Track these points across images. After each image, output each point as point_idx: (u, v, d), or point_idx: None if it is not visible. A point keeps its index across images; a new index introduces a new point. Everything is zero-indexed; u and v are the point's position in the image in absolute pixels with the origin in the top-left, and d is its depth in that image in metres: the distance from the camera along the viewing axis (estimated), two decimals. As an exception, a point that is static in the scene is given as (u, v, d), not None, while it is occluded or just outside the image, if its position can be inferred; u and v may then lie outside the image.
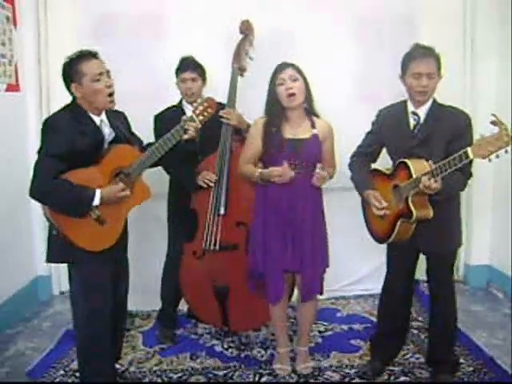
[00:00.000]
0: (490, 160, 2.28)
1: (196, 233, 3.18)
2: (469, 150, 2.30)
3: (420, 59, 2.56)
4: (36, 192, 2.36)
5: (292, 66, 2.73)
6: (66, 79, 2.45)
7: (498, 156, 2.26)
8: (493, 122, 2.22)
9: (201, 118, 2.62)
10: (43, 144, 2.41)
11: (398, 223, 2.63)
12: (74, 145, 2.37)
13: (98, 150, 2.48)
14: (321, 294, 2.93)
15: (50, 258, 2.58)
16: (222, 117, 3.15)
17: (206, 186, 3.10)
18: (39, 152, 2.41)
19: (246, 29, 3.31)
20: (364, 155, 2.86)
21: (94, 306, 2.50)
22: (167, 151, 2.56)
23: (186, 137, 2.60)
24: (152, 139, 3.02)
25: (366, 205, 2.85)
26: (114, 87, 2.51)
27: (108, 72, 2.48)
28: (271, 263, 2.80)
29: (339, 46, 3.82)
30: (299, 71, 2.73)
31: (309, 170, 2.69)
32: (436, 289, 2.79)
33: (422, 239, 2.67)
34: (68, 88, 2.46)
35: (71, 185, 2.35)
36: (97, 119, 2.50)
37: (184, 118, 2.62)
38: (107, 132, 2.54)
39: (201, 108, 2.63)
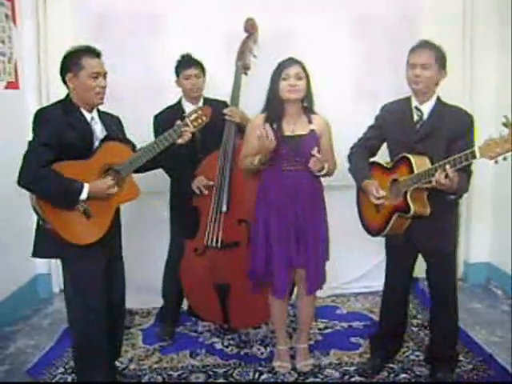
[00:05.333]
0: (496, 162, 2.25)
1: (197, 230, 3.18)
2: (476, 149, 2.28)
3: (415, 50, 2.61)
4: (24, 179, 2.35)
5: (299, 63, 2.72)
6: (63, 67, 2.48)
7: (505, 158, 2.22)
8: (504, 124, 2.20)
9: (195, 123, 2.67)
10: (33, 134, 2.42)
11: (394, 217, 2.64)
12: (62, 136, 2.39)
13: (87, 144, 2.49)
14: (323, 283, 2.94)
15: (37, 253, 2.56)
16: (224, 114, 3.16)
17: (199, 192, 3.11)
18: (30, 143, 2.42)
19: (251, 27, 3.32)
20: (364, 147, 2.85)
21: (88, 304, 2.50)
22: (160, 153, 2.58)
23: (180, 141, 2.64)
24: (149, 138, 3.02)
25: (361, 196, 2.86)
26: (113, 85, 2.55)
27: (105, 74, 2.51)
28: (276, 260, 2.79)
29: (340, 44, 3.81)
30: (305, 70, 2.72)
31: (308, 167, 2.70)
32: (436, 289, 2.79)
33: (420, 238, 2.67)
34: (63, 77, 2.48)
35: (60, 176, 2.35)
36: (88, 115, 2.52)
37: (178, 122, 2.64)
38: (98, 130, 2.54)
39: (195, 115, 2.68)
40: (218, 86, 3.43)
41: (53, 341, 3.35)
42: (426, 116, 2.65)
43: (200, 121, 2.68)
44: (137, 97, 3.67)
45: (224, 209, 3.13)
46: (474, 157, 2.29)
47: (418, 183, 2.51)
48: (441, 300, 2.78)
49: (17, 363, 3.11)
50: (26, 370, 3.01)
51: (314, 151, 2.65)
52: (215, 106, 3.05)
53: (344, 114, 3.45)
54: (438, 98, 2.66)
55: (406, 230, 2.69)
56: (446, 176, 2.36)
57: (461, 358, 2.98)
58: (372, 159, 2.87)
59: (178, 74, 3.25)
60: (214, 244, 3.11)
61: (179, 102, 3.31)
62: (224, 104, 3.31)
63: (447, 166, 2.36)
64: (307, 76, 2.73)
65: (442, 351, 2.83)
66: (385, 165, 2.77)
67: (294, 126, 2.76)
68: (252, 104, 3.14)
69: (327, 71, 3.52)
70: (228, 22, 3.56)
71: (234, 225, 3.13)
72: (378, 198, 2.65)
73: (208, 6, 3.70)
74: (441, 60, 2.61)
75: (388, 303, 2.95)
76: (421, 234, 2.66)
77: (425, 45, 2.61)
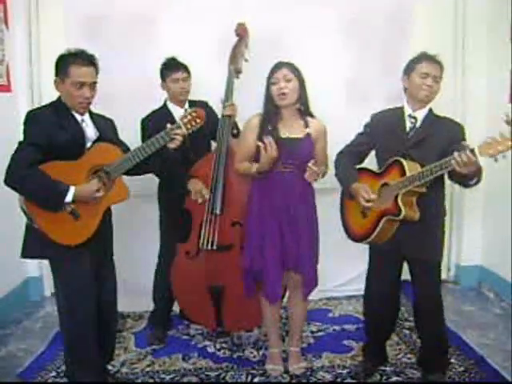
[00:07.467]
0: (496, 160, 2.25)
1: (190, 233, 3.18)
2: (476, 148, 2.28)
3: (429, 62, 2.62)
4: (10, 178, 2.35)
5: (287, 65, 2.74)
6: (55, 70, 2.48)
7: (504, 156, 2.23)
8: (507, 122, 2.22)
9: (188, 126, 2.64)
10: (23, 135, 2.42)
11: (382, 221, 2.63)
12: (52, 137, 2.38)
13: (78, 146, 2.48)
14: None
15: (25, 253, 2.55)
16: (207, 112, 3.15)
17: (199, 201, 3.08)
18: (19, 143, 2.42)
19: (242, 31, 3.34)
20: (351, 153, 2.84)
21: (75, 304, 2.49)
22: (150, 155, 2.56)
23: (171, 146, 2.61)
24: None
25: (345, 201, 2.86)
26: (105, 87, 2.55)
27: (93, 83, 2.48)
28: (269, 262, 2.79)
29: (330, 45, 3.82)
30: (294, 71, 2.73)
31: (302, 169, 2.70)
32: (422, 296, 2.76)
33: (408, 246, 2.66)
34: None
35: (46, 177, 2.34)
36: (79, 117, 2.51)
37: (169, 126, 2.61)
38: (90, 132, 2.53)
39: (189, 117, 2.64)
40: (208, 88, 3.43)
41: (44, 344, 3.33)
42: (419, 123, 2.66)
43: (194, 123, 2.64)
44: (129, 98, 3.66)
45: (218, 211, 3.12)
46: (474, 155, 2.28)
47: (410, 185, 2.51)
48: (427, 307, 2.76)
49: (8, 367, 3.08)
50: (18, 374, 2.99)
51: (311, 163, 2.64)
52: (201, 107, 3.05)
53: (334, 116, 3.45)
54: (431, 110, 2.68)
55: (392, 237, 2.67)
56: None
57: (452, 360, 3.00)
58: (359, 166, 2.86)
59: (164, 77, 3.25)
60: (208, 247, 3.11)
61: (165, 105, 3.30)
62: (206, 104, 3.33)
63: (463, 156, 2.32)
64: (299, 77, 2.74)
65: (433, 356, 2.83)
66: (373, 170, 2.77)
67: (290, 129, 2.77)
68: (243, 106, 3.15)
69: (318, 73, 3.51)
70: (219, 25, 3.57)
71: (228, 227, 3.13)
72: (368, 201, 2.64)
73: (199, 9, 3.71)
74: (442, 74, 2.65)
75: (373, 312, 2.92)
76: (409, 243, 2.65)
77: (435, 60, 2.63)
